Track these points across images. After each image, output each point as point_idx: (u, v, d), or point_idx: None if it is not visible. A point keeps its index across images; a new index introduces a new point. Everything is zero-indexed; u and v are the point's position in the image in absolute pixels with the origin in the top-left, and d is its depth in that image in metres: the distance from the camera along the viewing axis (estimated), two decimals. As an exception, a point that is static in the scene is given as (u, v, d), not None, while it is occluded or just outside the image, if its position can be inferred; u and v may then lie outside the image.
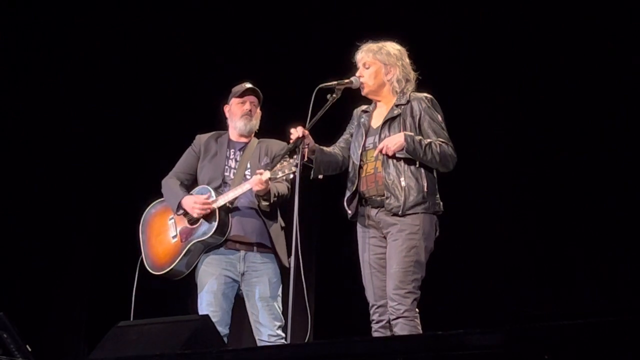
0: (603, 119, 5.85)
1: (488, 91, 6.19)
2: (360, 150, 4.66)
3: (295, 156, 4.60)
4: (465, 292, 6.13)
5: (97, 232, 7.14)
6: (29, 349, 4.49)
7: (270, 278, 5.07)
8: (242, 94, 5.27)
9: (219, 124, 5.46)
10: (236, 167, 5.21)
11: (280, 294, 5.10)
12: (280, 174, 4.73)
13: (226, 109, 5.35)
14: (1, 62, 6.97)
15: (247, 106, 5.25)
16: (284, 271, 5.10)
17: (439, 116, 4.64)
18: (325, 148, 4.72)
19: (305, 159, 4.59)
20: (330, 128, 4.91)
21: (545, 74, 6.05)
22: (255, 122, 5.29)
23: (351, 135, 4.79)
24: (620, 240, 5.73)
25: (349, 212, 4.68)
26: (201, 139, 5.37)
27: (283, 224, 5.18)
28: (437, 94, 4.71)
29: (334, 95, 4.63)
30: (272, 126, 5.40)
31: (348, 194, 4.68)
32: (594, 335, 3.28)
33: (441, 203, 4.61)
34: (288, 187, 5.12)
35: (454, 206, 4.78)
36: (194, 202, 5.09)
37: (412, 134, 4.53)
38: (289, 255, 5.02)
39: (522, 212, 6.02)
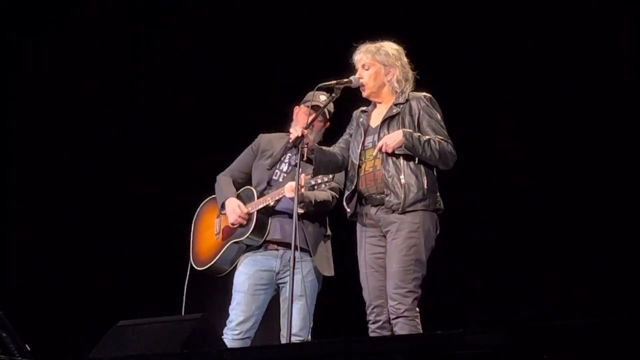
0: (603, 120, 5.84)
1: (487, 90, 6.18)
2: (359, 150, 4.66)
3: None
4: (465, 292, 6.12)
5: (98, 231, 7.13)
6: (29, 349, 4.49)
7: (305, 276, 5.00)
8: (312, 107, 5.13)
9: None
10: (287, 170, 5.18)
11: (314, 295, 5.04)
12: (312, 182, 4.73)
13: (295, 110, 5.28)
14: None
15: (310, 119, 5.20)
16: (318, 279, 5.09)
17: (438, 114, 4.64)
18: (325, 148, 4.72)
19: (305, 158, 4.60)
20: (329, 127, 4.92)
21: (545, 74, 6.05)
22: (316, 136, 5.14)
23: (350, 136, 4.79)
24: (621, 241, 5.73)
25: (348, 210, 4.68)
26: (262, 138, 5.34)
27: (327, 232, 5.15)
28: (435, 93, 4.71)
29: (333, 95, 4.64)
30: (272, 125, 5.39)
31: (347, 192, 4.68)
32: (593, 335, 3.28)
33: (441, 201, 4.61)
34: (333, 196, 5.09)
35: (454, 205, 4.78)
36: (233, 209, 5.11)
37: (410, 130, 4.53)
38: (328, 266, 5.05)
39: (522, 211, 6.01)
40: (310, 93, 5.20)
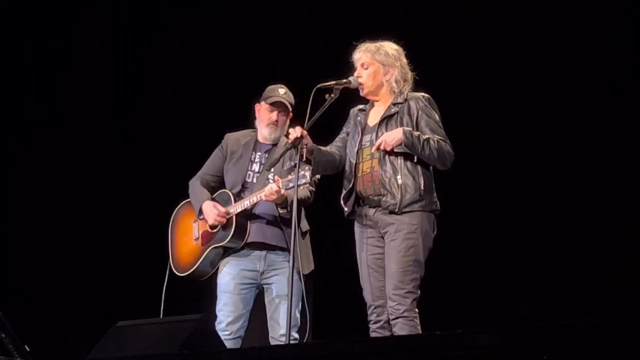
0: (603, 120, 5.84)
1: (486, 91, 6.18)
2: (357, 148, 4.66)
3: (307, 167, 4.62)
4: (464, 292, 6.12)
5: (97, 232, 7.13)
6: (28, 349, 4.49)
7: (290, 276, 5.00)
8: (272, 104, 5.18)
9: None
10: (260, 171, 5.18)
11: (299, 294, 5.01)
12: (291, 185, 4.72)
13: (257, 107, 5.27)
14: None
15: (274, 116, 5.16)
16: (301, 279, 5.04)
17: (436, 115, 4.64)
18: (322, 148, 4.72)
19: (304, 159, 4.59)
20: (328, 128, 4.91)
21: (544, 74, 6.04)
22: (281, 132, 5.18)
23: (347, 134, 4.78)
24: (621, 241, 5.72)
25: (346, 209, 4.68)
26: (229, 138, 5.33)
27: (305, 228, 5.15)
28: (434, 93, 4.71)
29: (332, 95, 4.62)
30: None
31: (344, 191, 4.68)
32: (592, 335, 3.28)
33: (438, 202, 4.61)
34: (311, 191, 5.08)
35: (453, 205, 4.77)
36: (211, 210, 5.11)
37: (410, 129, 4.53)
38: (307, 262, 5.05)
39: (522, 212, 6.01)
40: (269, 88, 5.22)
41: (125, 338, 4.40)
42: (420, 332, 4.45)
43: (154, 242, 6.82)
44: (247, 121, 5.59)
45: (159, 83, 7.23)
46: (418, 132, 4.54)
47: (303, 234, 5.13)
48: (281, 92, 5.17)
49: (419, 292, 4.50)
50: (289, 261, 4.87)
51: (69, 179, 7.08)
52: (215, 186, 5.27)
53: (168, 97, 7.16)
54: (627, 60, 5.83)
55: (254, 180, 5.16)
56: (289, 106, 5.13)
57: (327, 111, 4.63)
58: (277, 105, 5.16)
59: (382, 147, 4.53)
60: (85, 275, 7.11)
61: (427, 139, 4.51)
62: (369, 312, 4.61)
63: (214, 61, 7.05)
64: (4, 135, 7.07)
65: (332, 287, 5.30)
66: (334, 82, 4.64)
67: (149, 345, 4.27)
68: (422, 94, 4.69)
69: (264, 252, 5.10)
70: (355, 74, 4.69)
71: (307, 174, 4.65)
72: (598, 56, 5.90)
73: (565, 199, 5.90)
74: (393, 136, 4.52)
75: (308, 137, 4.58)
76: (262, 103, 5.23)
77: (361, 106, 4.82)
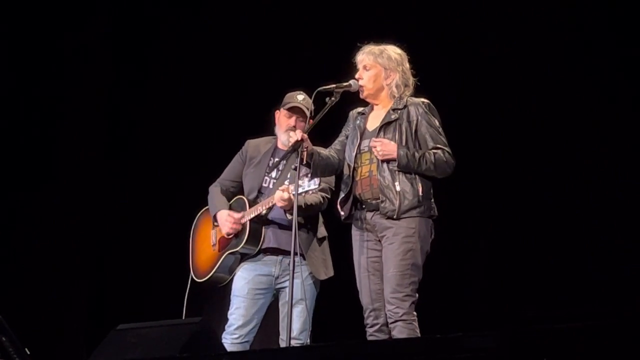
0: (601, 122, 5.85)
1: (486, 96, 6.18)
2: (355, 153, 4.66)
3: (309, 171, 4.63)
4: (463, 295, 6.12)
5: (97, 235, 7.13)
6: (28, 353, 4.49)
7: (304, 280, 4.98)
8: (289, 109, 5.20)
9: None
10: (277, 176, 5.18)
11: (313, 299, 5.06)
12: (300, 190, 4.72)
13: (276, 114, 5.29)
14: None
15: (292, 121, 5.16)
16: (316, 284, 5.10)
17: (436, 121, 4.64)
18: (322, 151, 4.72)
19: (304, 162, 4.59)
20: (329, 131, 4.92)
21: (544, 80, 6.05)
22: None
23: (346, 137, 4.78)
24: (619, 243, 5.73)
25: (342, 213, 4.68)
26: (249, 144, 5.35)
27: (322, 234, 5.16)
28: (434, 98, 4.71)
29: (333, 98, 4.62)
30: (271, 129, 5.39)
31: (342, 195, 4.69)
32: (592, 338, 3.29)
33: (436, 207, 4.61)
34: (324, 197, 5.08)
35: (451, 208, 4.78)
36: (225, 219, 5.13)
37: (406, 150, 4.52)
38: (324, 267, 5.05)
39: (520, 214, 6.02)
40: (288, 94, 5.23)
41: (125, 341, 4.39)
42: (419, 335, 4.45)
43: (154, 246, 6.85)
44: (250, 125, 5.61)
45: (160, 89, 7.23)
46: (414, 150, 4.53)
47: (320, 240, 5.15)
48: (299, 98, 5.17)
49: (417, 295, 4.51)
50: (302, 265, 4.90)
51: (70, 182, 7.09)
52: (235, 192, 5.29)
53: (179, 96, 7.14)
54: (627, 61, 5.84)
55: (271, 186, 5.17)
56: (307, 112, 5.12)
57: (327, 114, 4.64)
58: (295, 111, 5.16)
59: (373, 151, 4.53)
60: (85, 279, 7.11)
61: (423, 155, 4.52)
62: (365, 316, 4.61)
63: (214, 68, 7.04)
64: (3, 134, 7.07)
65: (332, 290, 5.29)
66: (334, 86, 4.65)
67: (149, 349, 4.26)
68: (422, 99, 4.68)
69: (279, 257, 5.11)
70: (357, 75, 4.69)
71: (317, 180, 4.65)
72: (598, 59, 5.91)
73: (565, 201, 5.90)
74: (389, 150, 4.52)
75: (308, 140, 4.59)
76: (281, 109, 5.24)
77: (360, 109, 4.82)
